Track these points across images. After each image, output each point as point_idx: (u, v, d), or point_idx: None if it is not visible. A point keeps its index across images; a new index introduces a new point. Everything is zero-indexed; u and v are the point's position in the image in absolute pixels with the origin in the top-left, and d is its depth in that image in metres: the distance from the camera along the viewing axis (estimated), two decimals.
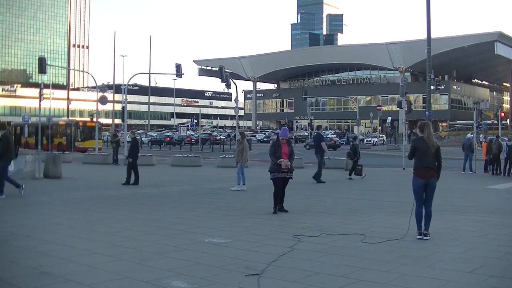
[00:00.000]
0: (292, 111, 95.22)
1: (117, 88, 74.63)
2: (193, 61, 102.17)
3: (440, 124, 77.90)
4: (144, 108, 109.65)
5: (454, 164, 28.00)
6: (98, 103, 36.18)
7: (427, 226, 7.95)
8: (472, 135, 24.79)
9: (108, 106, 60.25)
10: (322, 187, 16.62)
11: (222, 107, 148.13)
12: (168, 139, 58.00)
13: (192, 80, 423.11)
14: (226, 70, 40.16)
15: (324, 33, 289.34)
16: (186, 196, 13.79)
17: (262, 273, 5.89)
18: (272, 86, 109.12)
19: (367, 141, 60.87)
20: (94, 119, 38.56)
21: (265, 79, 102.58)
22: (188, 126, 68.45)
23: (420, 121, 8.80)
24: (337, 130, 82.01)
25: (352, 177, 19.04)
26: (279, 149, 10.58)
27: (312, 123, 61.40)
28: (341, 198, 13.54)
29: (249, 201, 12.64)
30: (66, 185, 16.01)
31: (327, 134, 58.59)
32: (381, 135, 66.59)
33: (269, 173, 10.83)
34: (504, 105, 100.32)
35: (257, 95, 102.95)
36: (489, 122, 59.55)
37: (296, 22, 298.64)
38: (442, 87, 72.05)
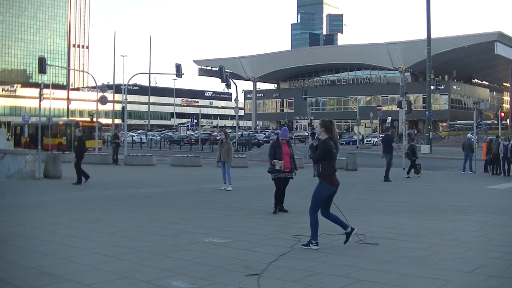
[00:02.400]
0: (292, 111, 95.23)
1: (117, 88, 74.68)
2: (193, 61, 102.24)
3: (440, 124, 77.96)
4: (144, 108, 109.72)
5: (454, 164, 28.05)
6: (98, 103, 36.16)
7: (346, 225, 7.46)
8: (472, 135, 24.81)
9: (108, 106, 60.32)
10: None
11: (222, 107, 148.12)
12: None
13: (192, 80, 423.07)
14: (226, 70, 40.21)
15: (324, 33, 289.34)
16: (186, 196, 13.78)
17: (262, 273, 5.89)
18: (272, 86, 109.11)
19: (367, 141, 60.88)
20: (94, 119, 38.55)
21: (265, 79, 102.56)
22: (188, 126, 68.51)
23: (323, 119, 7.59)
24: (338, 130, 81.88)
25: (410, 176, 20.12)
26: (279, 150, 10.53)
27: (312, 123, 61.42)
28: (341, 198, 13.49)
29: (249, 201, 12.64)
30: (66, 185, 15.99)
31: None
32: (381, 135, 66.59)
33: (269, 174, 10.78)
34: (504, 105, 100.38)
35: (257, 95, 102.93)
36: (489, 122, 59.59)
37: (296, 22, 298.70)
38: (442, 87, 72.08)
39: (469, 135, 25.22)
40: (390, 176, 18.56)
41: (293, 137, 66.60)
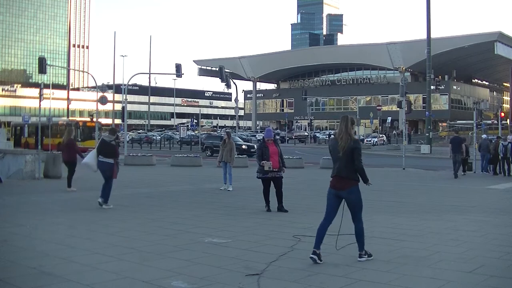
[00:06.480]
0: (292, 111, 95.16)
1: (117, 88, 74.68)
2: (193, 61, 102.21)
3: (440, 124, 77.95)
4: (144, 108, 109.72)
5: None
6: (98, 103, 36.17)
7: (360, 247, 6.52)
8: (487, 136, 25.03)
9: (108, 106, 60.24)
10: (324, 187, 16.62)
11: (222, 107, 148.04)
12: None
13: (192, 80, 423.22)
14: (226, 70, 40.17)
15: (324, 33, 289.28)
16: (186, 196, 13.78)
17: (262, 273, 5.89)
18: (272, 86, 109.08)
19: (367, 141, 60.87)
20: (94, 119, 38.57)
21: (265, 79, 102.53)
22: (188, 126, 68.54)
23: None
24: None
25: (465, 173, 21.90)
26: (267, 150, 10.70)
27: (312, 123, 61.64)
28: None
29: (249, 201, 12.63)
30: (66, 185, 15.95)
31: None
32: (381, 135, 66.62)
33: (257, 173, 11.01)
34: (504, 105, 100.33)
35: (257, 95, 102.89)
36: (489, 122, 59.57)
37: (296, 22, 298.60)
38: (442, 87, 72.03)
39: (484, 135, 25.40)
40: (455, 173, 20.30)
41: (293, 137, 66.62)
